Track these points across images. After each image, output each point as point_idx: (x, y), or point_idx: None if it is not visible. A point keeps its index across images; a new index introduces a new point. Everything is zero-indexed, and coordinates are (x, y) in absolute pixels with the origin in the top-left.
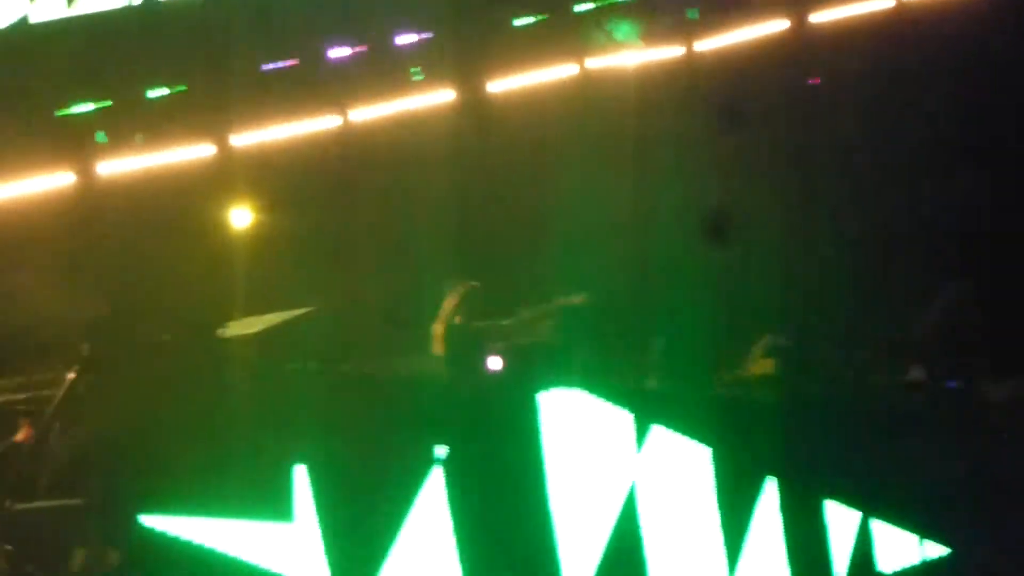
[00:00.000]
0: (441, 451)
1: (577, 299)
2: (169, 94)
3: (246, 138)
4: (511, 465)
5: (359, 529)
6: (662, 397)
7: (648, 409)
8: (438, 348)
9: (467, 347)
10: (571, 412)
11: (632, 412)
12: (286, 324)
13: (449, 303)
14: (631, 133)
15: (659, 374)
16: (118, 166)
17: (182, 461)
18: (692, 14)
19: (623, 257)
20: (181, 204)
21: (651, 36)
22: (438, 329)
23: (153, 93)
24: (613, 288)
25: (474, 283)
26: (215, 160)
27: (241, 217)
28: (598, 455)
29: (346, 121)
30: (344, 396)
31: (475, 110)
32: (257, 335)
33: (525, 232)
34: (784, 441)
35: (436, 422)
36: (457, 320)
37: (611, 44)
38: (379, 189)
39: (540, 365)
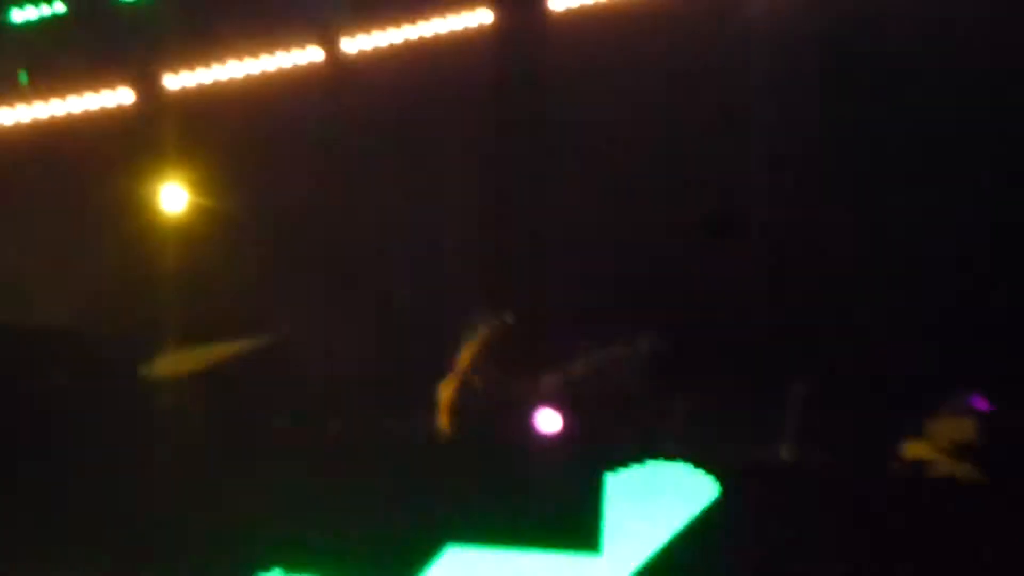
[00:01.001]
0: None
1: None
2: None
3: (177, 80)
4: None
5: None
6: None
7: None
8: (445, 419)
9: (490, 418)
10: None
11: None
12: (235, 359)
13: (468, 350)
14: None
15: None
16: None
17: None
18: None
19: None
20: (82, 177)
21: None
22: (447, 391)
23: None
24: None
25: (507, 318)
26: (128, 113)
27: (170, 198)
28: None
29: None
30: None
31: None
32: (192, 375)
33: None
34: None
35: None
36: (477, 379)
37: None
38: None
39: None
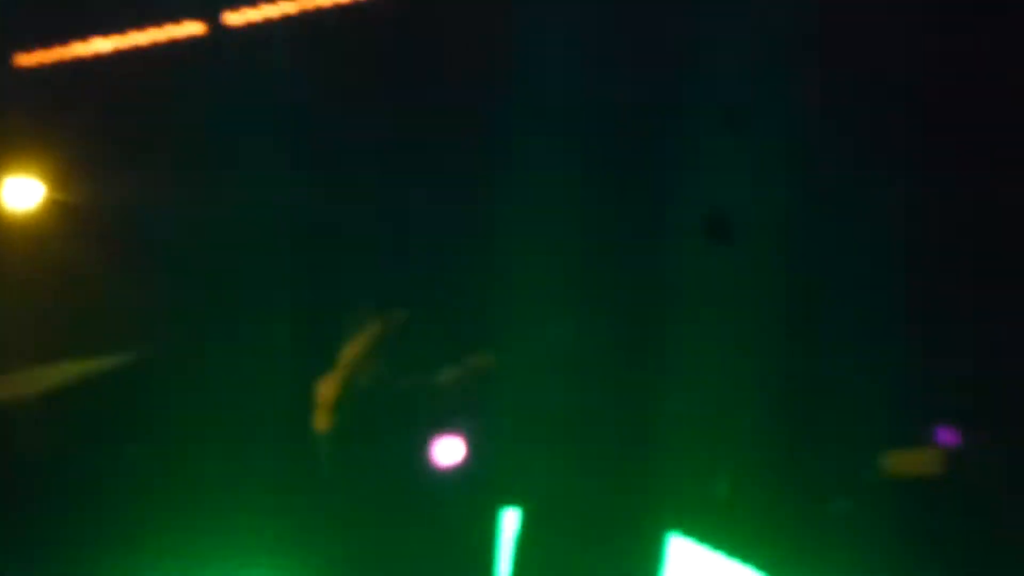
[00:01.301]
0: None
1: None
2: None
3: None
4: None
5: None
6: None
7: None
8: (323, 423)
9: (378, 425)
10: None
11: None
12: (83, 382)
13: (354, 345)
14: None
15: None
16: None
17: None
18: None
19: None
20: None
21: None
22: (328, 388)
23: None
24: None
25: (398, 312)
26: None
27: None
28: None
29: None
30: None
31: None
32: (44, 396)
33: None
34: None
35: None
36: (363, 376)
37: None
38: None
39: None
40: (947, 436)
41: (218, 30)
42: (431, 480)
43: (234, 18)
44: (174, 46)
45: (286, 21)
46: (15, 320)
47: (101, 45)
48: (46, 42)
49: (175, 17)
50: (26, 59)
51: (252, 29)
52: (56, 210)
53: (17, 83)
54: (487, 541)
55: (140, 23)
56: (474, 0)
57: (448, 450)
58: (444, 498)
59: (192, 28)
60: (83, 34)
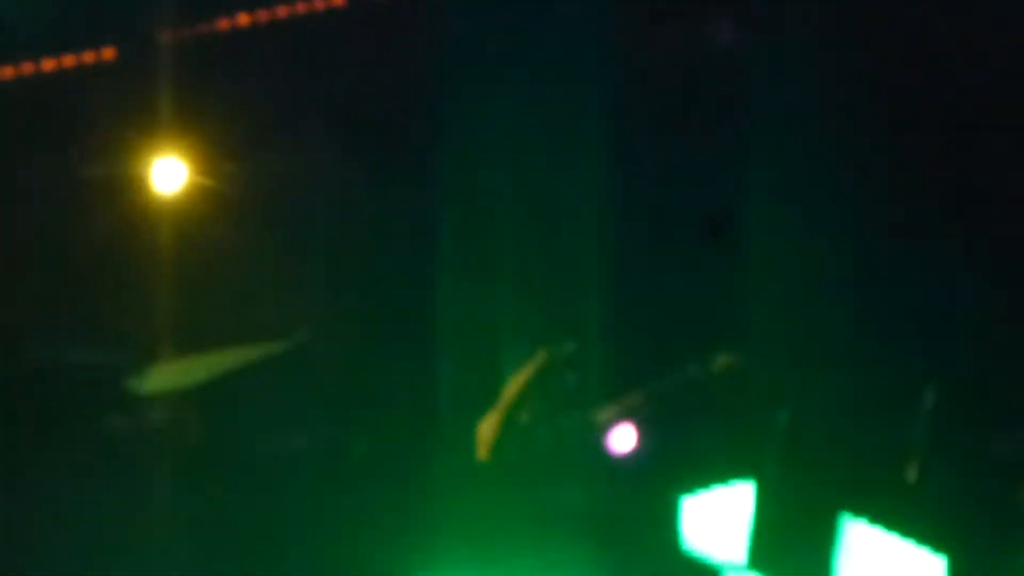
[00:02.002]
0: None
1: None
2: None
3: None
4: None
5: None
6: None
7: None
8: (484, 452)
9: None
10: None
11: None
12: (241, 369)
13: (515, 381)
14: None
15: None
16: None
17: None
18: None
19: None
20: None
21: None
22: (488, 426)
23: None
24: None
25: (567, 344)
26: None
27: (167, 174)
28: None
29: None
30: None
31: None
32: (200, 390)
33: None
34: None
35: None
36: (524, 414)
37: None
38: None
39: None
40: None
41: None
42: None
43: None
44: (319, 19)
45: None
46: (170, 307)
47: (245, 21)
48: (191, 20)
49: None
50: (170, 37)
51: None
52: (205, 192)
53: (162, 63)
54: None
55: None
56: None
57: (621, 439)
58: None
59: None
60: (228, 10)
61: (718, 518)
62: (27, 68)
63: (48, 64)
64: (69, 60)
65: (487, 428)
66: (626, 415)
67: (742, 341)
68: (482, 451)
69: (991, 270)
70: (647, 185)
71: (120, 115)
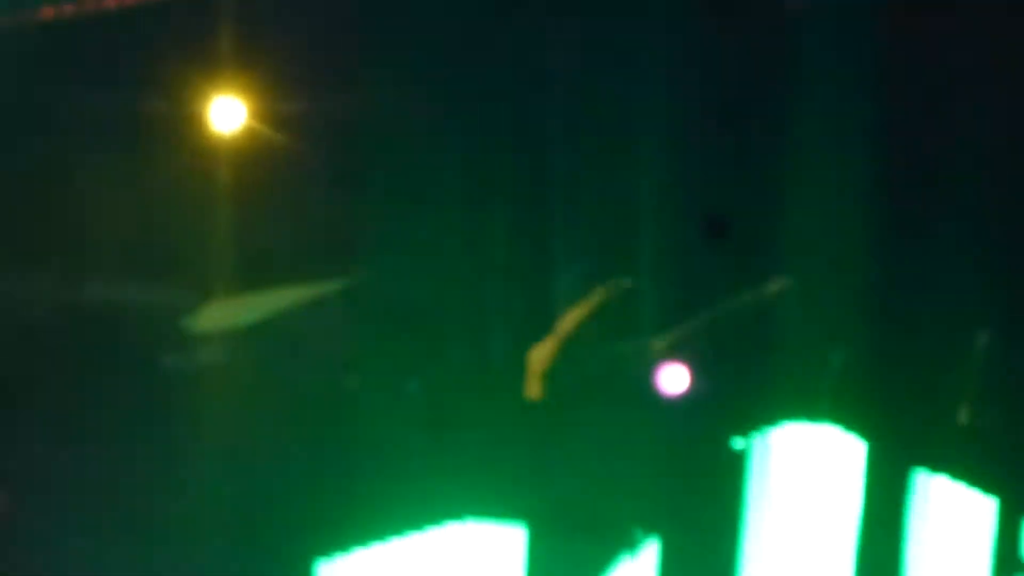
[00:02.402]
0: None
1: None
2: None
3: None
4: None
5: None
6: None
7: None
8: (534, 386)
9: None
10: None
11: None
12: (298, 309)
13: (574, 313)
14: None
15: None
16: None
17: None
18: None
19: None
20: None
21: None
22: (540, 354)
23: None
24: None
25: (623, 281)
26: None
27: (226, 113)
28: None
29: None
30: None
31: None
32: (255, 328)
33: None
34: None
35: None
36: (578, 345)
37: None
38: None
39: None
40: None
41: None
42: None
43: None
44: None
45: None
46: (226, 246)
47: None
48: None
49: None
50: None
51: None
52: (263, 132)
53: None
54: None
55: None
56: None
57: (673, 378)
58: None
59: None
60: None
61: (775, 460)
62: (87, 4)
63: (109, 1)
64: None
65: (538, 361)
66: (679, 349)
67: (797, 272)
68: (532, 384)
69: None
70: (704, 115)
71: (180, 53)
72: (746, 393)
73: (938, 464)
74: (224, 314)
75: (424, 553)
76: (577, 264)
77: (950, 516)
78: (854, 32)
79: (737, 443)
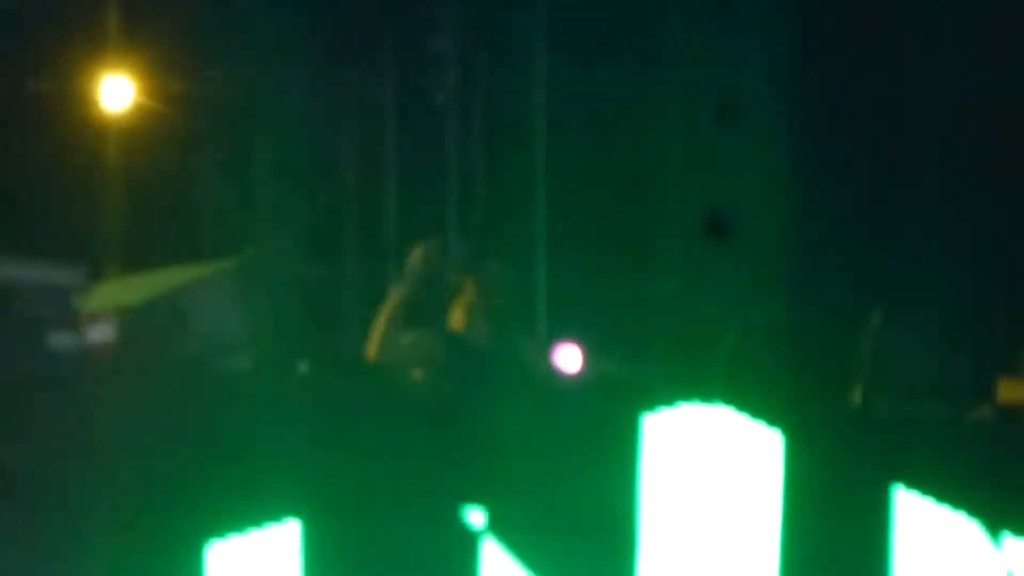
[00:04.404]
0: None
1: None
2: None
3: None
4: None
5: None
6: None
7: None
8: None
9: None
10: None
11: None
12: (197, 287)
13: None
14: None
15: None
16: None
17: None
18: None
19: None
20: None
21: None
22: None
23: None
24: None
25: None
26: None
27: (115, 92)
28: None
29: None
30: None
31: None
32: (145, 308)
33: None
34: None
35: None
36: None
37: None
38: None
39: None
40: None
41: None
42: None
43: None
44: None
45: None
46: (117, 225)
47: None
48: None
49: None
50: None
51: None
52: (151, 109)
53: None
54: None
55: None
56: None
57: (567, 359)
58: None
59: None
60: None
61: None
62: None
63: None
64: None
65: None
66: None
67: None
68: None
69: (934, 203)
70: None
71: (69, 32)
72: (641, 373)
73: (828, 444)
74: (114, 294)
75: (306, 535)
76: (465, 243)
77: (840, 495)
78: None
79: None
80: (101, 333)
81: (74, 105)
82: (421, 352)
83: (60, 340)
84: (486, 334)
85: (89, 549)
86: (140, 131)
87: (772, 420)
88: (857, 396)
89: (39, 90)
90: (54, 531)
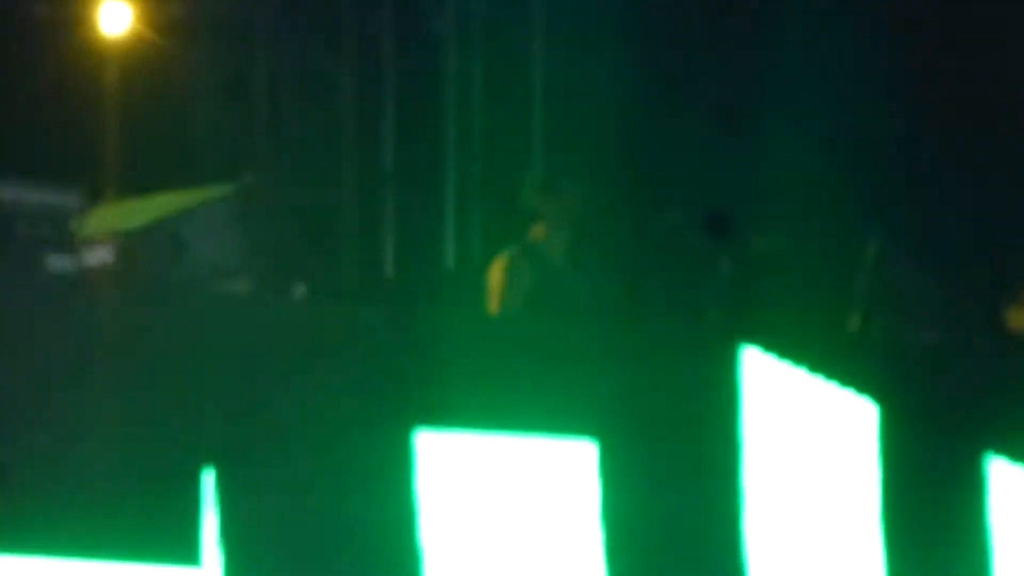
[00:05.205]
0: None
1: None
2: None
3: None
4: None
5: None
6: None
7: None
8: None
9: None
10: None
11: None
12: (195, 211)
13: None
14: None
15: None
16: None
17: None
18: None
19: None
20: None
21: None
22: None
23: None
24: None
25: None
26: None
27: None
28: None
29: None
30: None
31: None
32: (143, 232)
33: None
34: None
35: None
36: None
37: None
38: None
39: None
40: None
41: None
42: None
43: None
44: None
45: None
46: (114, 149)
47: None
48: None
49: None
50: None
51: None
52: (150, 36)
53: None
54: None
55: None
56: None
57: None
58: None
59: None
60: None
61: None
62: None
63: None
64: None
65: (496, 278)
66: None
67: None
68: (492, 300)
69: (932, 136)
70: None
71: None
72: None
73: (824, 369)
74: (112, 217)
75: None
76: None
77: (835, 424)
78: None
79: None
80: (99, 256)
81: (72, 29)
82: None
83: (59, 262)
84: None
85: (85, 471)
86: (138, 56)
87: (771, 348)
88: (855, 322)
89: (38, 13)
90: (54, 456)
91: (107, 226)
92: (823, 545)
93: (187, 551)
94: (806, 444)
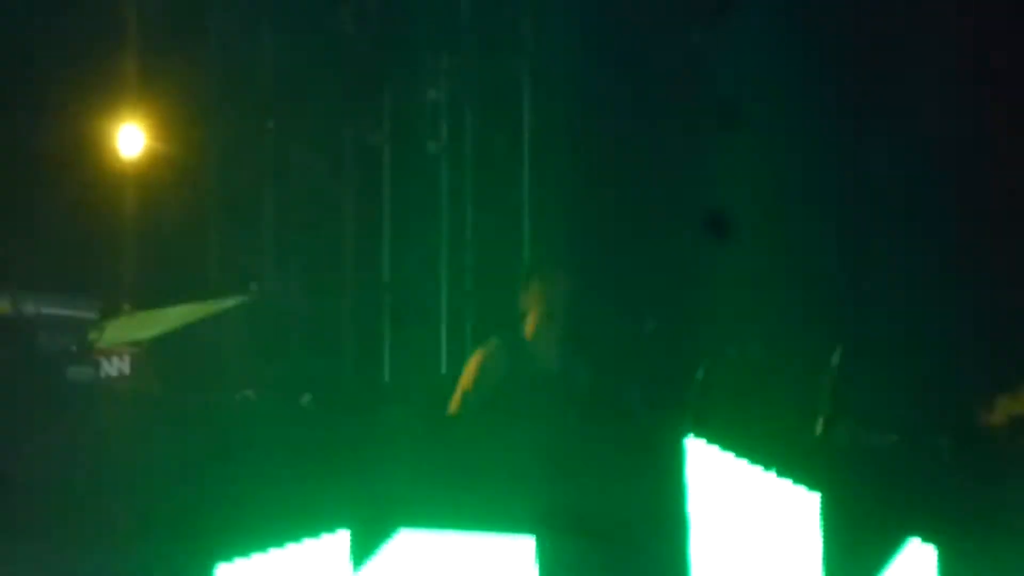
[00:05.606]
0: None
1: None
2: None
3: None
4: None
5: None
6: None
7: None
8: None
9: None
10: None
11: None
12: (198, 323)
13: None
14: None
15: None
16: None
17: None
18: None
19: None
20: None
21: None
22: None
23: None
24: None
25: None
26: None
27: (129, 140)
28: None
29: None
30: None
31: None
32: (156, 342)
33: None
34: None
35: None
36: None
37: None
38: None
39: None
40: None
41: None
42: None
43: None
44: None
45: None
46: (130, 265)
47: None
48: None
49: None
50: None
51: None
52: (163, 158)
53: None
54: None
55: None
56: None
57: None
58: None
59: None
60: None
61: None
62: None
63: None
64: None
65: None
66: None
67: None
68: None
69: (893, 246)
70: None
71: (84, 82)
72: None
73: (791, 474)
74: (127, 328)
75: (315, 559)
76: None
77: (801, 524)
78: None
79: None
80: (115, 366)
81: (91, 152)
82: (486, 364)
83: (79, 372)
84: (550, 347)
85: (98, 569)
86: (153, 177)
87: (739, 452)
88: (819, 427)
89: (59, 137)
90: (68, 555)
91: (124, 337)
92: None
93: None
94: (752, 536)
